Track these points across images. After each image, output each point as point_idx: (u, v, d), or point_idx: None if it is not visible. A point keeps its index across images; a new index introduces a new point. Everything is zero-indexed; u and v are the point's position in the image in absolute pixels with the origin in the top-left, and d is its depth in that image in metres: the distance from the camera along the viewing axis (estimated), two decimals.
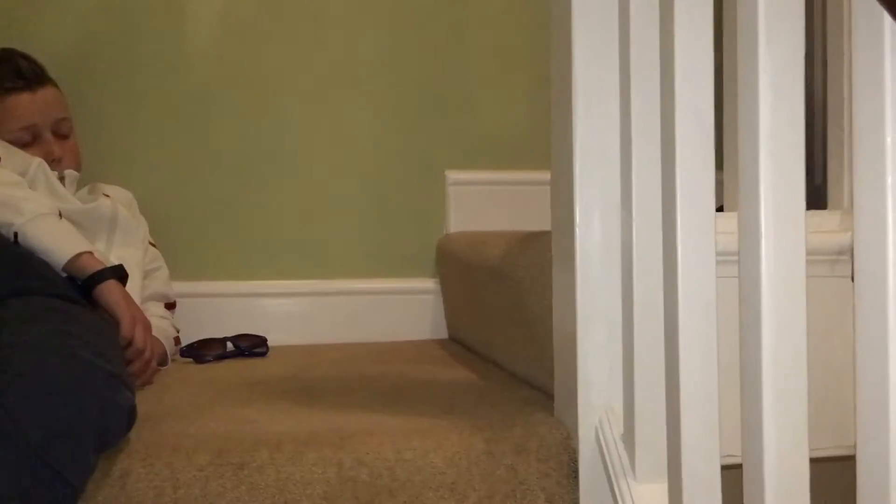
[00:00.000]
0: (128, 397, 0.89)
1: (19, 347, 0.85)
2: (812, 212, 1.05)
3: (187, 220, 1.87)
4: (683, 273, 0.76)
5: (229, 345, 1.67)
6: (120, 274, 1.24)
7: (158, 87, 1.84)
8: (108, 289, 1.20)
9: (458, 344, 1.72)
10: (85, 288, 1.20)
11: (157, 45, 1.84)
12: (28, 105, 1.51)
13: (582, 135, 0.93)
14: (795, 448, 0.67)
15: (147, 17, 1.84)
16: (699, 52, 0.74)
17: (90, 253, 1.23)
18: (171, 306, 1.68)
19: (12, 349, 0.85)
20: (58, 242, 1.21)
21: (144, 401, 0.97)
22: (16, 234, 1.19)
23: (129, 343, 1.20)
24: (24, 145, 1.49)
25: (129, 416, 0.89)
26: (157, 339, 1.51)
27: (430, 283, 1.83)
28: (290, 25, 1.82)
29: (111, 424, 0.85)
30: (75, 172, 1.54)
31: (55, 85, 1.57)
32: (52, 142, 1.52)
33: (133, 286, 1.38)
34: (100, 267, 1.21)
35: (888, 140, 0.51)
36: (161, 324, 1.55)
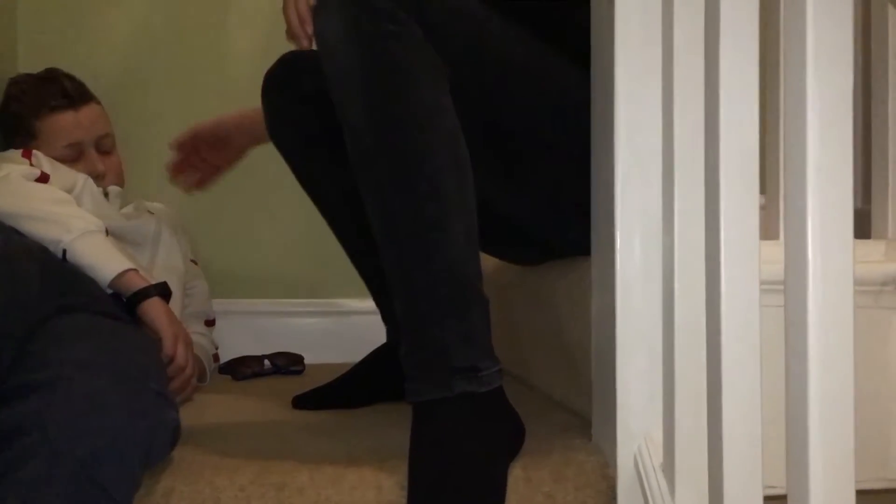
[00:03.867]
0: (173, 416, 0.90)
1: (68, 365, 0.87)
2: (856, 241, 1.04)
3: (224, 238, 1.89)
4: (727, 300, 0.75)
5: (266, 363, 1.68)
6: (163, 291, 1.27)
7: (201, 106, 1.87)
8: (152, 306, 1.23)
9: None
10: (129, 304, 1.23)
11: (200, 64, 1.88)
12: (72, 123, 1.55)
13: (623, 158, 0.93)
14: (841, 480, 0.66)
15: (190, 38, 1.88)
16: (744, 79, 0.74)
17: (135, 270, 1.25)
18: (210, 323, 1.70)
19: (61, 366, 0.86)
20: (104, 260, 1.24)
21: (185, 418, 0.99)
22: (64, 252, 1.22)
23: (171, 360, 1.22)
24: (69, 162, 1.52)
25: (174, 435, 0.90)
26: (197, 357, 1.53)
27: None
28: None
29: (157, 442, 0.86)
30: (119, 188, 1.57)
31: (98, 102, 1.61)
32: (96, 158, 1.55)
33: (174, 303, 1.41)
34: (144, 284, 1.24)
35: None
36: (200, 340, 1.57)
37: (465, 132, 0.95)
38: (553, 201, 1.13)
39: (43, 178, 1.39)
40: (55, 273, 1.12)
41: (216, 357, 1.67)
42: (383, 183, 0.91)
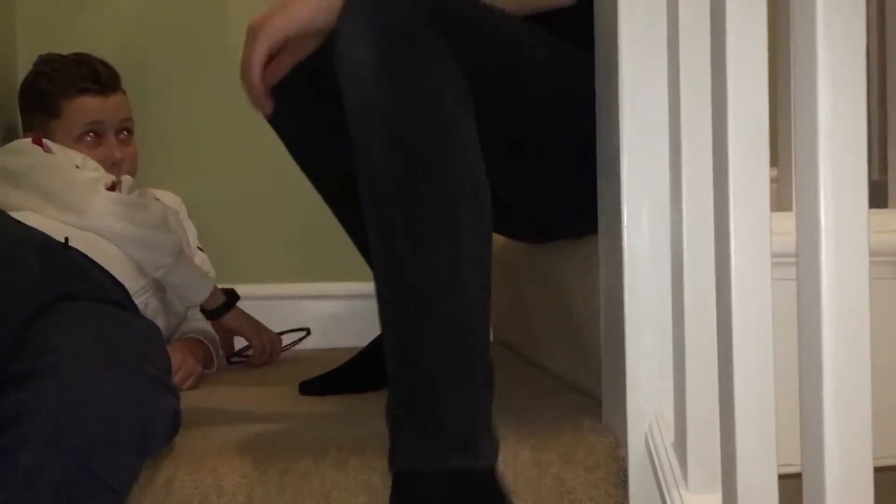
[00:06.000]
0: (172, 402, 0.89)
1: (65, 351, 0.86)
2: (873, 211, 1.01)
3: (232, 223, 1.88)
4: (737, 275, 0.73)
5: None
6: (236, 298, 1.52)
7: (204, 88, 1.85)
8: (234, 318, 1.50)
9: (503, 346, 1.70)
10: (213, 315, 1.49)
11: (204, 52, 1.86)
12: (98, 106, 1.54)
13: (629, 133, 0.90)
14: (858, 456, 0.64)
15: (196, 26, 1.86)
16: (752, 46, 0.72)
17: (214, 285, 1.46)
18: None
19: (58, 354, 0.85)
20: (197, 280, 1.43)
21: (189, 405, 0.98)
22: (66, 239, 1.21)
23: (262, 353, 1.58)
24: (87, 145, 1.51)
25: (173, 421, 0.89)
26: (204, 344, 1.52)
27: None
28: None
29: (155, 429, 0.85)
30: (131, 179, 1.56)
31: (125, 93, 1.60)
32: (115, 144, 1.55)
33: None
34: (224, 299, 1.47)
35: None
36: (209, 328, 1.57)
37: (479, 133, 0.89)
38: (557, 189, 1.10)
39: (112, 187, 1.42)
40: (56, 261, 1.11)
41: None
42: (395, 231, 0.83)
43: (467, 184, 0.85)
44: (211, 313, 1.47)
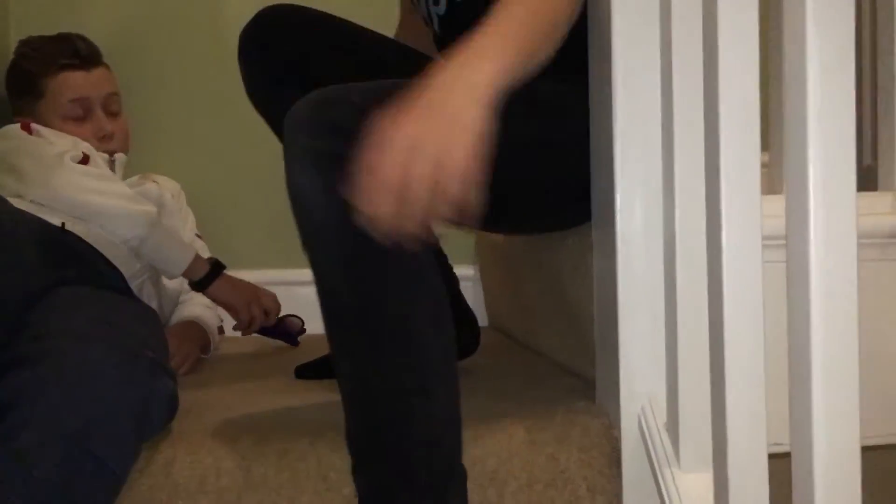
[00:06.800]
0: (169, 385, 0.90)
1: (62, 336, 0.86)
2: (862, 193, 1.02)
3: (227, 209, 1.88)
4: (728, 257, 0.74)
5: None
6: (220, 268, 1.44)
7: (200, 79, 1.85)
8: (219, 288, 1.41)
9: (498, 332, 1.71)
10: (199, 287, 1.41)
11: (197, 27, 1.85)
12: (82, 80, 1.53)
13: (622, 118, 0.91)
14: (846, 436, 0.65)
15: (192, 9, 1.86)
16: (744, 33, 0.72)
17: (196, 255, 1.38)
18: None
19: (56, 338, 0.86)
20: (176, 250, 1.37)
21: (187, 389, 0.98)
22: (63, 224, 1.21)
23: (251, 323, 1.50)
24: (74, 120, 1.50)
25: (171, 404, 0.90)
26: (201, 329, 1.52)
27: (469, 270, 1.82)
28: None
29: (152, 412, 0.86)
30: (124, 156, 1.55)
31: (108, 68, 1.59)
32: (104, 118, 1.54)
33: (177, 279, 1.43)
34: (207, 269, 1.40)
35: None
36: (205, 313, 1.57)
37: None
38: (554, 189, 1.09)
39: (84, 160, 1.39)
40: (54, 245, 1.12)
41: (221, 330, 1.66)
42: (360, 348, 0.83)
43: (427, 304, 0.84)
44: (195, 285, 1.42)
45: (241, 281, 1.50)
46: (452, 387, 0.86)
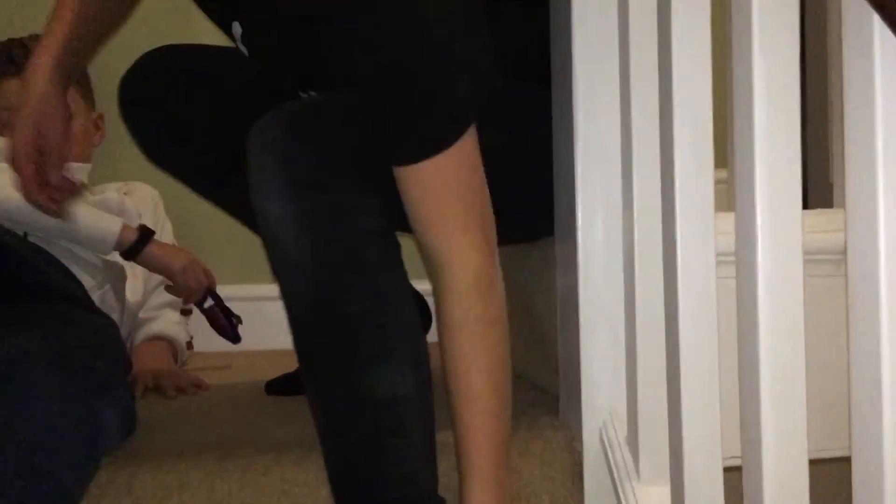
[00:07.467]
0: (123, 399, 0.90)
1: (8, 353, 0.86)
2: (819, 210, 1.04)
3: (212, 224, 1.86)
4: (683, 274, 0.75)
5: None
6: (148, 235, 1.35)
7: None
8: (150, 255, 1.32)
9: None
10: (128, 256, 1.32)
11: (177, 40, 1.85)
12: (17, 88, 1.49)
13: (583, 136, 0.93)
14: (794, 449, 0.66)
15: (173, 17, 1.85)
16: (696, 54, 0.74)
17: (124, 224, 1.32)
18: (186, 312, 1.68)
19: (5, 356, 0.86)
20: (101, 222, 1.30)
21: (152, 405, 0.99)
22: (25, 234, 1.21)
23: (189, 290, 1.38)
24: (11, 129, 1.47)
25: (125, 418, 0.90)
26: (170, 345, 1.51)
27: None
28: None
29: (103, 425, 0.86)
30: (81, 164, 1.50)
31: None
32: None
33: (137, 286, 1.44)
34: (135, 237, 1.31)
35: (878, 143, 0.51)
36: (174, 329, 1.56)
37: None
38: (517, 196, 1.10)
39: None
40: (9, 255, 1.10)
41: (189, 345, 1.65)
42: (331, 385, 0.82)
43: (399, 331, 0.83)
44: (125, 254, 1.34)
45: (173, 246, 1.45)
46: (428, 421, 0.85)
